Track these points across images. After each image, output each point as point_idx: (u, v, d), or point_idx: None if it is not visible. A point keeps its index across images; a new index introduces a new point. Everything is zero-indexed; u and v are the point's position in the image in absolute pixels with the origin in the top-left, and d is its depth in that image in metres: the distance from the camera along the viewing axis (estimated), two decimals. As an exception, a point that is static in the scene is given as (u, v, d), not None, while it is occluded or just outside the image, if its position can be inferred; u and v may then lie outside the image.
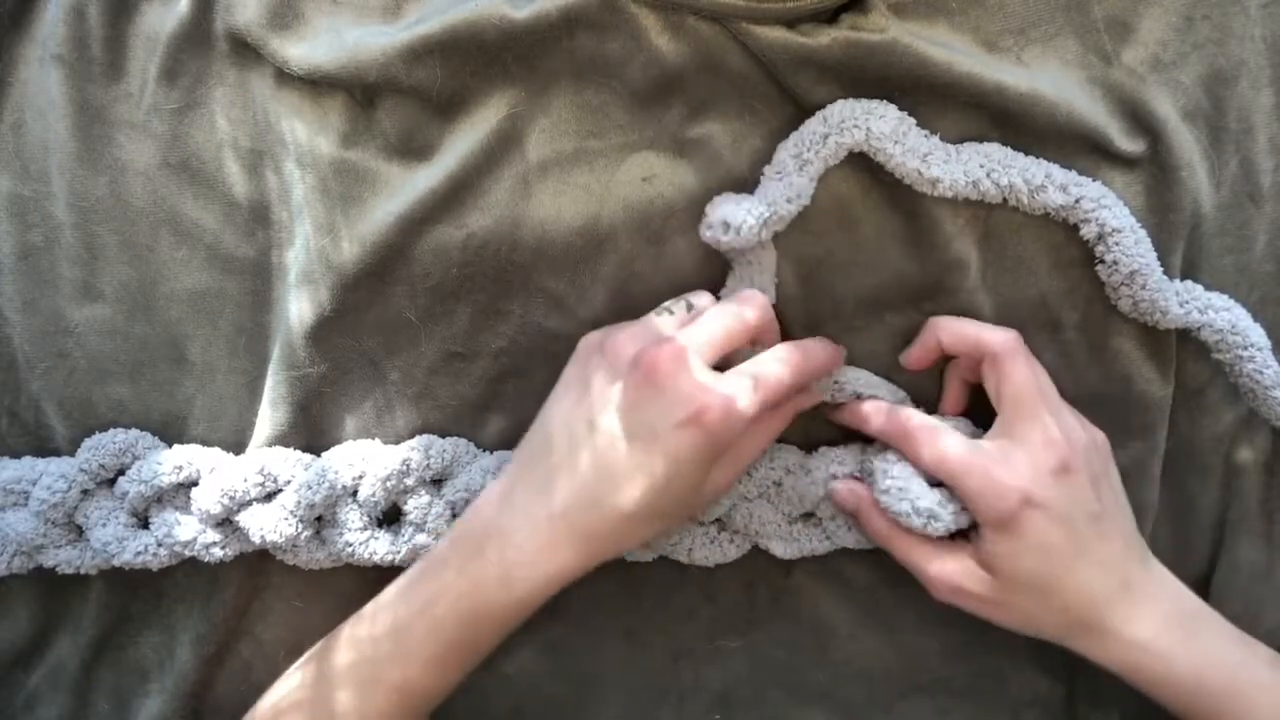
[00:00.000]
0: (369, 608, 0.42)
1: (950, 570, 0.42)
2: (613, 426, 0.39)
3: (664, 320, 0.41)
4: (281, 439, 0.46)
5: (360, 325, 0.45)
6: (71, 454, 0.46)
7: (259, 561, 0.47)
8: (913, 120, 0.42)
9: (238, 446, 0.47)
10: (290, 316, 0.45)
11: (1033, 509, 0.39)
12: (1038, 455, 0.40)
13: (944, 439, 0.41)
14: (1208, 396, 0.47)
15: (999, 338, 0.42)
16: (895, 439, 0.43)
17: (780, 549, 0.46)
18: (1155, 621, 0.40)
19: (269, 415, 0.46)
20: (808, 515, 0.47)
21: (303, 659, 0.44)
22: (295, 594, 0.48)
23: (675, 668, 0.49)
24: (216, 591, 0.47)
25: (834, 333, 0.45)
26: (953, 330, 0.43)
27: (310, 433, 0.46)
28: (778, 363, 0.41)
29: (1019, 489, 0.39)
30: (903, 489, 0.42)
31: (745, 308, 0.41)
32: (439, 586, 0.40)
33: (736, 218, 0.41)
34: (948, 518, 0.41)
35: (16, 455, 0.47)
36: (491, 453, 0.46)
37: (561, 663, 0.49)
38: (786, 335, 0.45)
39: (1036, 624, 0.42)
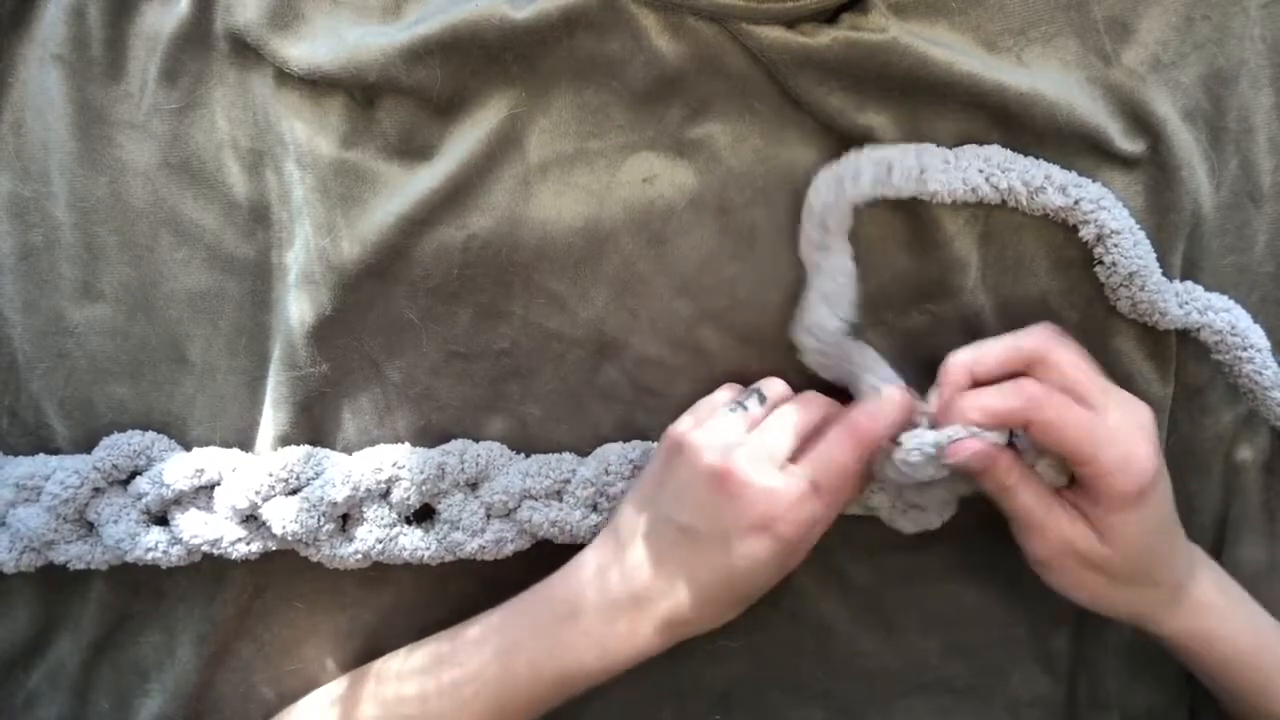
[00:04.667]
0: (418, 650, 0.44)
1: (1068, 530, 0.41)
2: (689, 527, 0.41)
3: (737, 419, 0.42)
4: (284, 439, 0.46)
5: (361, 326, 0.45)
6: (72, 454, 0.46)
7: (261, 562, 0.47)
8: (892, 153, 0.41)
9: (239, 447, 0.47)
10: (291, 317, 0.45)
11: (1160, 481, 0.39)
12: (1145, 425, 0.40)
13: (1082, 411, 0.39)
14: (1208, 396, 0.47)
15: (1035, 339, 0.41)
16: (1031, 410, 0.40)
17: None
18: (1214, 585, 0.42)
19: (271, 416, 0.46)
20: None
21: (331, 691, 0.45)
22: (297, 595, 0.48)
23: (675, 668, 0.49)
24: (218, 592, 0.47)
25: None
26: (980, 359, 0.41)
27: (312, 433, 0.46)
28: (835, 455, 0.41)
29: (1156, 459, 0.39)
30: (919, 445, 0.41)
31: (811, 406, 0.43)
32: (511, 640, 0.42)
33: (813, 319, 0.43)
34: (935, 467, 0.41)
35: (18, 455, 0.47)
36: (528, 455, 0.46)
37: (562, 663, 0.49)
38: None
39: (1118, 601, 0.42)
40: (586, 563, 0.43)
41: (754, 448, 0.41)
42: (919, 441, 0.41)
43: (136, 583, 0.48)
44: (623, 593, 0.41)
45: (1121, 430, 0.39)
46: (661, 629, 0.41)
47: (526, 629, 0.42)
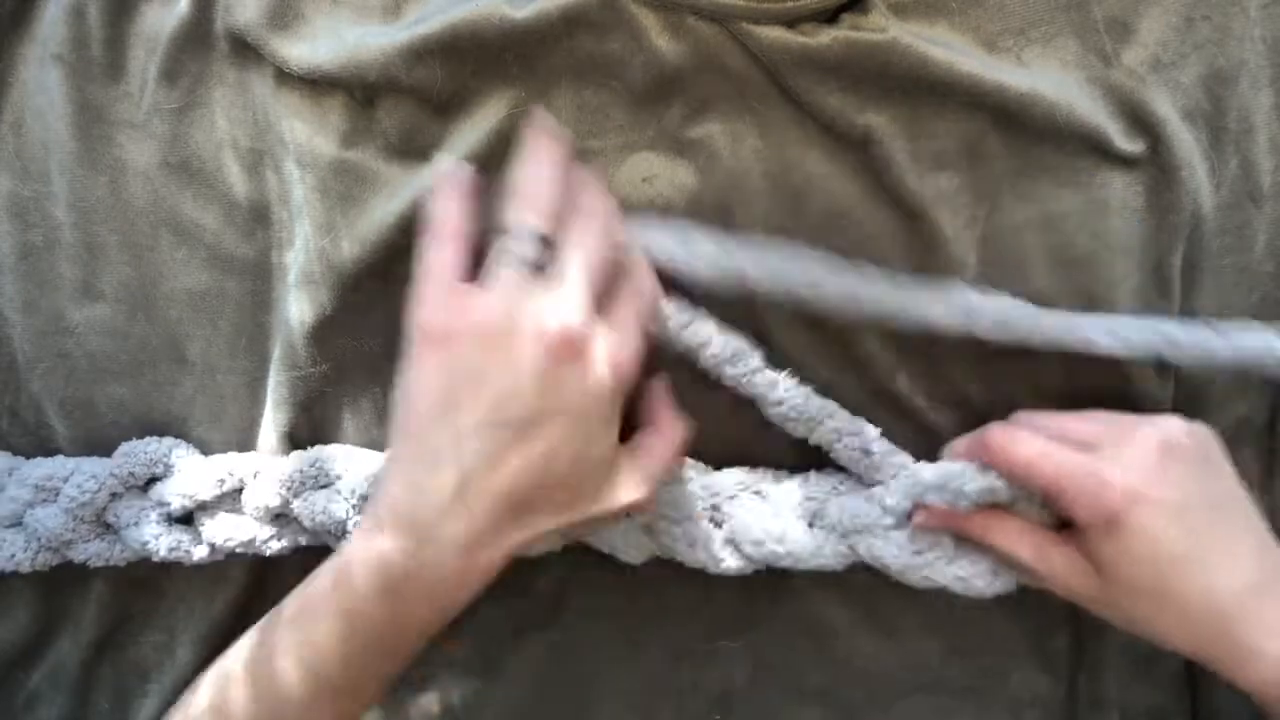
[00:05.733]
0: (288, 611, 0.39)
1: (1056, 566, 0.40)
2: (527, 419, 0.36)
3: (518, 277, 0.37)
4: (285, 439, 0.46)
5: (361, 326, 0.45)
6: (72, 454, 0.46)
7: (260, 562, 0.47)
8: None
9: (240, 446, 0.47)
10: (291, 317, 0.45)
11: (1142, 504, 0.36)
12: (1139, 445, 0.38)
13: (1038, 440, 0.39)
14: (1208, 396, 0.47)
15: (967, 447, 0.41)
16: (995, 454, 0.40)
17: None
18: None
19: (271, 416, 0.46)
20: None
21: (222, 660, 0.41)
22: (296, 594, 0.48)
23: (675, 668, 0.49)
24: (218, 592, 0.47)
25: (832, 334, 0.45)
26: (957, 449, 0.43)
27: (313, 433, 0.46)
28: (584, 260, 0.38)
29: (1123, 484, 0.37)
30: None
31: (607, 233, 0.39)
32: (367, 614, 0.37)
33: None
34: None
35: (17, 455, 0.47)
36: None
37: (561, 663, 0.49)
38: (787, 334, 0.44)
39: (1156, 631, 0.39)
40: (388, 508, 0.37)
41: (580, 303, 0.36)
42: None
43: (136, 583, 0.48)
44: (452, 537, 0.36)
45: (1105, 460, 0.38)
46: (506, 552, 0.37)
47: (335, 623, 0.37)
